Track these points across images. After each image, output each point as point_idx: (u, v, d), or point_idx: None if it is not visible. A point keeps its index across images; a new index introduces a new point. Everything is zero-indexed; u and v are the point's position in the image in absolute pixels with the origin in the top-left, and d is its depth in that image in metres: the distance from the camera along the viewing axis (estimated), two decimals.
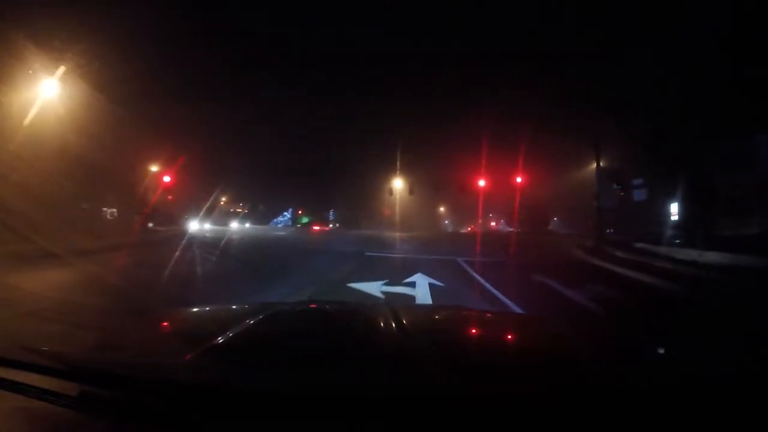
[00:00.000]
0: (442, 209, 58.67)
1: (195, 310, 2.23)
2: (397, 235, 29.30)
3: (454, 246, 18.69)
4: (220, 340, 1.24)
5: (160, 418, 0.87)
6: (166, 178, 26.51)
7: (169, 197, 26.65)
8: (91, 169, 17.26)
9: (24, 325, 2.54)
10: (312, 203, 47.48)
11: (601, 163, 28.38)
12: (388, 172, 37.09)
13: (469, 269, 10.33)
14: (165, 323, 1.82)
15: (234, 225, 44.17)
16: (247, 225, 48.13)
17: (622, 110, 21.99)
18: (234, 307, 2.24)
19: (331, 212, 49.34)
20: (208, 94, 38.87)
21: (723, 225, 18.01)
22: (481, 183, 26.64)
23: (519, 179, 24.61)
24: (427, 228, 48.23)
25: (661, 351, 1.49)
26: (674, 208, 25.24)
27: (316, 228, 45.54)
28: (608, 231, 39.81)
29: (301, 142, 45.55)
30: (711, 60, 17.31)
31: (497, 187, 28.08)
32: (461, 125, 50.27)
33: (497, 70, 40.81)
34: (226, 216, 46.91)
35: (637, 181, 23.94)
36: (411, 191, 35.84)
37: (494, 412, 0.83)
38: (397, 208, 42.97)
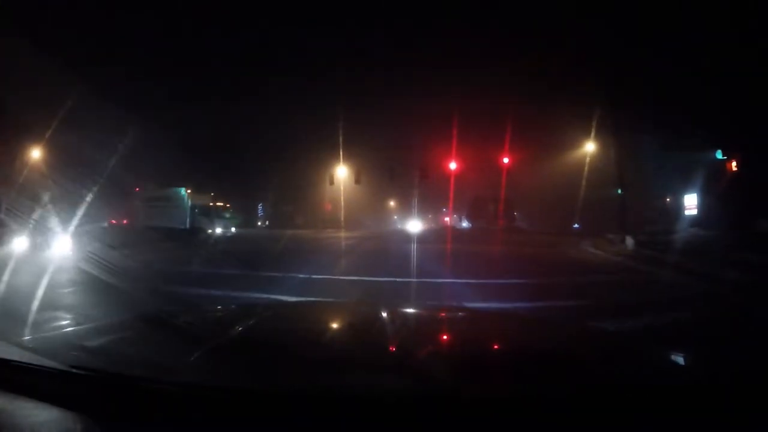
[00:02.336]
0: (392, 203, 52.14)
1: (195, 310, 2.07)
2: (342, 237, 21.38)
3: (443, 261, 10.51)
4: (222, 340, 1.26)
5: (161, 418, 0.86)
6: None
7: None
8: None
9: None
10: (236, 196, 38.18)
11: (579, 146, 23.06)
12: (331, 156, 29.79)
13: None
14: (165, 323, 1.63)
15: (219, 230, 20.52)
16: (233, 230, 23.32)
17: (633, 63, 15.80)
18: (236, 307, 2.24)
19: (260, 207, 40.57)
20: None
21: None
22: (452, 166, 20.09)
23: (506, 159, 18.18)
24: (375, 226, 41.27)
25: (662, 352, 1.46)
26: (690, 201, 20.41)
27: None
28: (575, 227, 35.43)
29: (221, 119, 34.81)
30: None
31: (470, 170, 21.75)
32: (425, 96, 43.13)
33: (469, 22, 33.63)
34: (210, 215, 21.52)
35: None
36: (357, 180, 28.80)
37: (492, 413, 0.83)
38: (342, 202, 35.46)
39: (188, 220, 19.68)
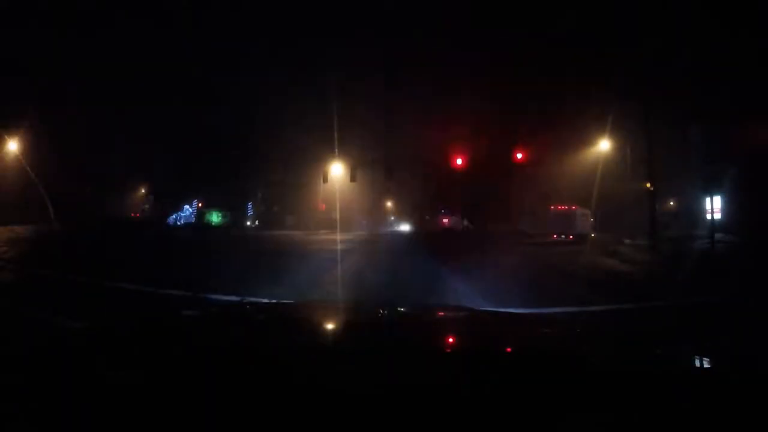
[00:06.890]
0: (389, 203, 50.35)
1: (194, 311, 2.16)
2: (338, 240, 19.62)
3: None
4: (222, 340, 1.27)
5: (161, 417, 0.86)
6: None
7: None
8: None
9: None
10: (225, 194, 36.18)
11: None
12: (326, 152, 27.96)
13: None
14: (165, 324, 1.65)
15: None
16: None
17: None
18: (235, 307, 2.33)
19: (249, 206, 38.64)
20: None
21: None
22: (459, 161, 18.51)
23: (519, 155, 16.61)
24: (372, 226, 39.58)
25: (660, 350, 1.45)
26: (711, 204, 18.99)
27: None
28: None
29: (208, 112, 32.58)
30: None
31: (477, 166, 20.22)
32: (429, 87, 41.01)
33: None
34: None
35: None
36: (353, 177, 27.07)
37: (488, 411, 0.83)
38: (337, 203, 33.62)
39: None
